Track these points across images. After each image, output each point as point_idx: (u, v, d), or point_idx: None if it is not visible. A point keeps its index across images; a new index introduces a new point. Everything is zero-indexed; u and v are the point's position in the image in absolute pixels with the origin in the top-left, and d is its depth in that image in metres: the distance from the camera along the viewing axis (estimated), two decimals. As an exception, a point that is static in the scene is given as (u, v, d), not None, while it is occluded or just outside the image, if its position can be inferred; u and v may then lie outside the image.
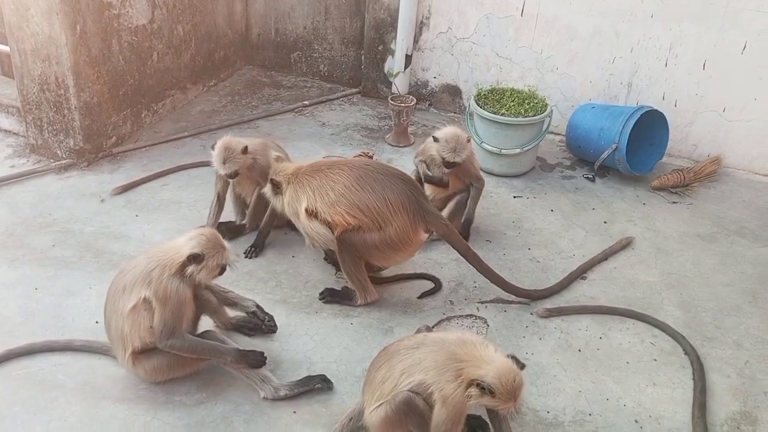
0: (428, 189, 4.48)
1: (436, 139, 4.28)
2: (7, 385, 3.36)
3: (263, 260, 4.31)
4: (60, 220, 4.53)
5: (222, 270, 3.34)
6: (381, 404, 3.02)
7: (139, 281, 3.21)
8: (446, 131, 4.31)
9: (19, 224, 4.46)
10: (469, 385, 2.84)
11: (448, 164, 4.27)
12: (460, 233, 4.18)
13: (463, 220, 4.44)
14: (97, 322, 3.59)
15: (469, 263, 3.99)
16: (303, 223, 3.81)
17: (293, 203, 3.86)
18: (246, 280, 4.13)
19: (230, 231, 4.46)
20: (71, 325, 3.71)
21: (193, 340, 3.30)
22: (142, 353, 3.30)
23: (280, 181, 3.89)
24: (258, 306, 3.71)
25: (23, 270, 4.09)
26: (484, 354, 2.91)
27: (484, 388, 2.79)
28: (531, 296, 4.04)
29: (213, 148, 4.16)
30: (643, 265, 4.39)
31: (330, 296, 4.01)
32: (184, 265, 3.21)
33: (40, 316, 3.77)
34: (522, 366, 2.88)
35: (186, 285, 3.24)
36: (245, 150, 4.15)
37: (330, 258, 4.24)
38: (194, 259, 3.21)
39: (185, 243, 3.26)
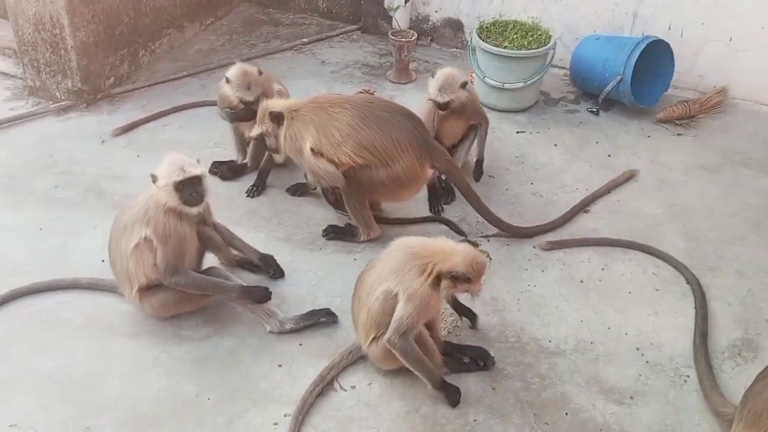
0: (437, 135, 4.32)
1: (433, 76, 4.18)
2: (14, 323, 3.41)
3: (266, 198, 4.30)
4: (61, 161, 4.51)
5: (192, 189, 3.19)
6: (373, 338, 3.07)
7: (138, 220, 3.21)
8: (441, 71, 4.16)
9: (20, 167, 4.45)
10: (439, 278, 2.90)
11: (440, 106, 4.14)
12: (474, 173, 4.20)
13: (476, 160, 4.40)
14: (102, 260, 3.60)
15: (468, 201, 3.99)
16: (308, 161, 3.78)
17: (296, 140, 3.80)
18: (249, 218, 4.13)
19: (232, 171, 4.44)
20: (77, 264, 3.74)
21: (197, 276, 3.32)
22: (149, 289, 3.33)
23: (280, 111, 3.80)
24: (262, 258, 3.68)
25: (27, 212, 4.10)
26: (446, 246, 2.98)
27: (458, 278, 2.86)
28: (530, 235, 4.04)
29: (227, 79, 4.13)
30: (646, 198, 4.37)
31: (333, 233, 4.02)
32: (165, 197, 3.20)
33: (46, 256, 3.80)
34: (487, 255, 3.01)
35: (185, 222, 3.24)
36: (260, 72, 4.16)
37: (329, 198, 4.20)
38: (153, 179, 3.19)
39: None
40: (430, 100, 4.18)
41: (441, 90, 4.09)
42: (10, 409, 3.02)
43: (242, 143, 4.49)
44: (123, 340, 3.35)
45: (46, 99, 5.07)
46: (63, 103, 5.02)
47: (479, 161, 4.40)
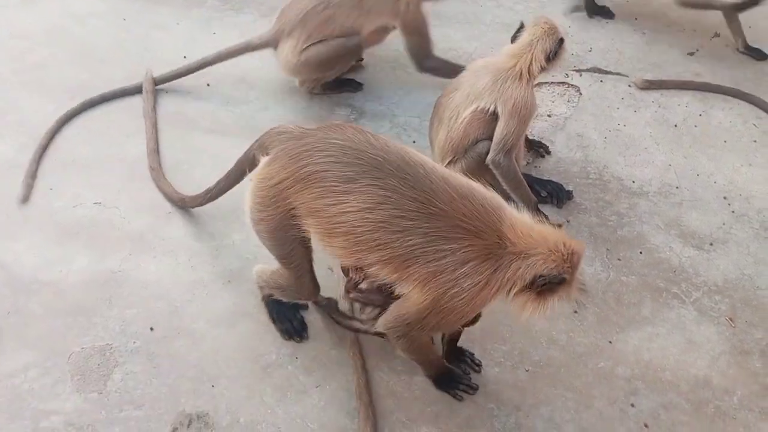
0: None
1: None
2: (102, 110, 3.44)
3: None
4: (144, -47, 4.38)
5: None
6: (450, 160, 3.02)
7: None
8: None
9: (104, -45, 4.34)
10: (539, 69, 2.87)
11: None
12: None
13: None
14: (185, 56, 3.58)
15: None
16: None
17: None
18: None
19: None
20: (160, 57, 3.70)
21: None
22: None
23: None
24: None
25: (112, 1, 4.04)
26: (520, 46, 2.92)
27: (557, 52, 2.87)
28: None
29: None
30: (758, 45, 4.03)
31: None
32: None
33: (130, 47, 3.78)
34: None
35: None
36: None
37: None
38: None
39: None
40: None
41: None
42: (97, 187, 3.10)
43: None
44: (206, 135, 3.37)
45: None
46: None
47: None
